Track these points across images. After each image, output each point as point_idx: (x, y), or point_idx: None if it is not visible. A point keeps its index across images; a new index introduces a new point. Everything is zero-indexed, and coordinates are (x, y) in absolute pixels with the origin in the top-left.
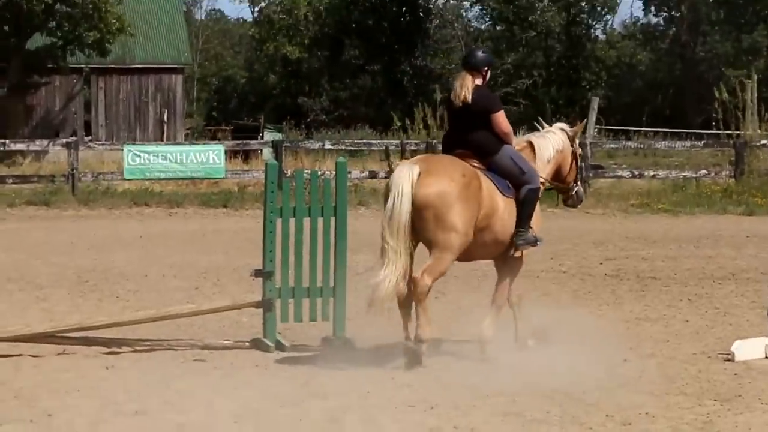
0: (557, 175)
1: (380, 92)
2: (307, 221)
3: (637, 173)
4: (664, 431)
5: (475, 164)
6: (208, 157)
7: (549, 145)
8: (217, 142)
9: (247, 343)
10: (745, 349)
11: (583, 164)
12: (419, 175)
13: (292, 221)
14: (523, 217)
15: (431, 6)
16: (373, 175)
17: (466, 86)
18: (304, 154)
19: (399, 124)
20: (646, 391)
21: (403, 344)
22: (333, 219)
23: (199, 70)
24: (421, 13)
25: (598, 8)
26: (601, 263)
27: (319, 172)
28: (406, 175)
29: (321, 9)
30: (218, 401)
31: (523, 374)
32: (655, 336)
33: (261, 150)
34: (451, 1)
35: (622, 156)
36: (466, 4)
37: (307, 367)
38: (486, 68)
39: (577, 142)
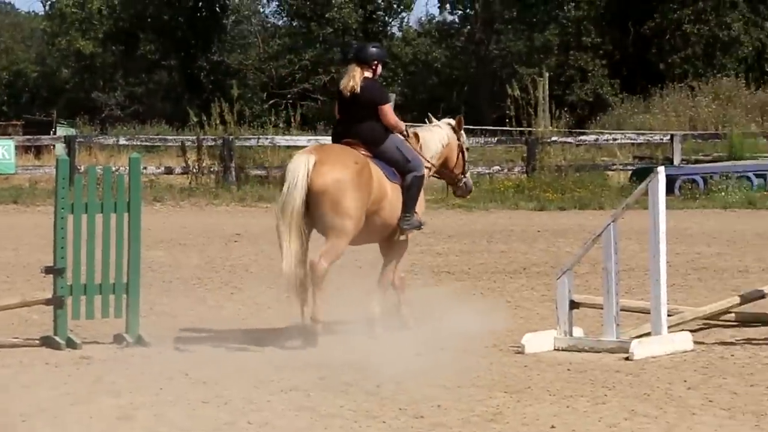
0: (445, 168)
1: (177, 87)
2: (100, 217)
3: None
4: (455, 423)
5: (364, 152)
6: None
7: (435, 138)
8: (7, 137)
9: (38, 341)
10: (535, 342)
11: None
12: (314, 164)
13: (84, 217)
14: (409, 203)
15: (228, 1)
16: (169, 171)
17: (354, 78)
18: (98, 150)
19: (196, 119)
20: (439, 384)
21: (300, 326)
22: (126, 215)
23: None
24: (217, 8)
25: (395, 5)
26: None
27: (112, 168)
28: (302, 165)
29: (115, 3)
30: (6, 400)
31: (318, 368)
32: (448, 329)
33: (53, 145)
34: None
35: None
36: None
37: (99, 365)
38: (376, 62)
39: (463, 136)
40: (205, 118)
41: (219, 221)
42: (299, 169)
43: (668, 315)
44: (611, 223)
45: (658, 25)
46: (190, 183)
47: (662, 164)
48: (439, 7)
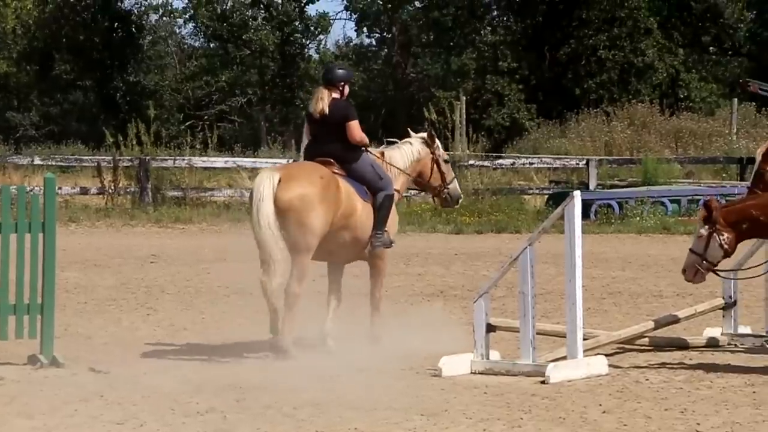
0: (421, 181)
1: (92, 108)
2: (14, 237)
3: None
4: None
5: (335, 170)
6: None
7: (404, 155)
8: None
9: None
10: (452, 365)
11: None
12: (279, 180)
13: None
14: (380, 221)
15: (144, 22)
16: (84, 191)
17: (323, 99)
18: (13, 170)
19: (112, 140)
20: (356, 407)
21: (271, 341)
22: (41, 235)
23: None
24: (134, 29)
25: (312, 28)
26: (313, 280)
27: (27, 188)
28: (267, 181)
29: (30, 23)
30: None
31: (235, 390)
32: (365, 351)
33: None
34: (164, 18)
35: None
36: (180, 21)
37: (13, 386)
38: (343, 83)
39: (439, 148)
40: (121, 139)
41: (135, 242)
42: (264, 183)
43: (584, 339)
44: (528, 246)
45: (573, 51)
46: (105, 204)
47: (578, 189)
48: (356, 30)
